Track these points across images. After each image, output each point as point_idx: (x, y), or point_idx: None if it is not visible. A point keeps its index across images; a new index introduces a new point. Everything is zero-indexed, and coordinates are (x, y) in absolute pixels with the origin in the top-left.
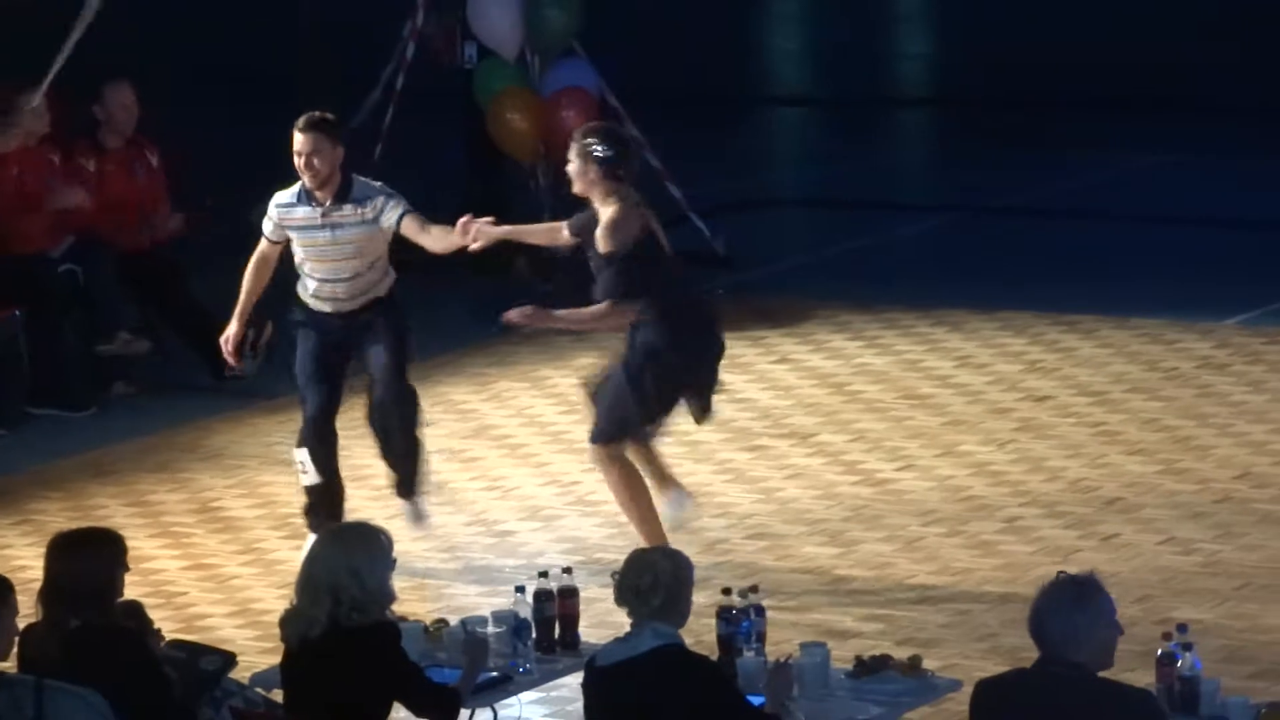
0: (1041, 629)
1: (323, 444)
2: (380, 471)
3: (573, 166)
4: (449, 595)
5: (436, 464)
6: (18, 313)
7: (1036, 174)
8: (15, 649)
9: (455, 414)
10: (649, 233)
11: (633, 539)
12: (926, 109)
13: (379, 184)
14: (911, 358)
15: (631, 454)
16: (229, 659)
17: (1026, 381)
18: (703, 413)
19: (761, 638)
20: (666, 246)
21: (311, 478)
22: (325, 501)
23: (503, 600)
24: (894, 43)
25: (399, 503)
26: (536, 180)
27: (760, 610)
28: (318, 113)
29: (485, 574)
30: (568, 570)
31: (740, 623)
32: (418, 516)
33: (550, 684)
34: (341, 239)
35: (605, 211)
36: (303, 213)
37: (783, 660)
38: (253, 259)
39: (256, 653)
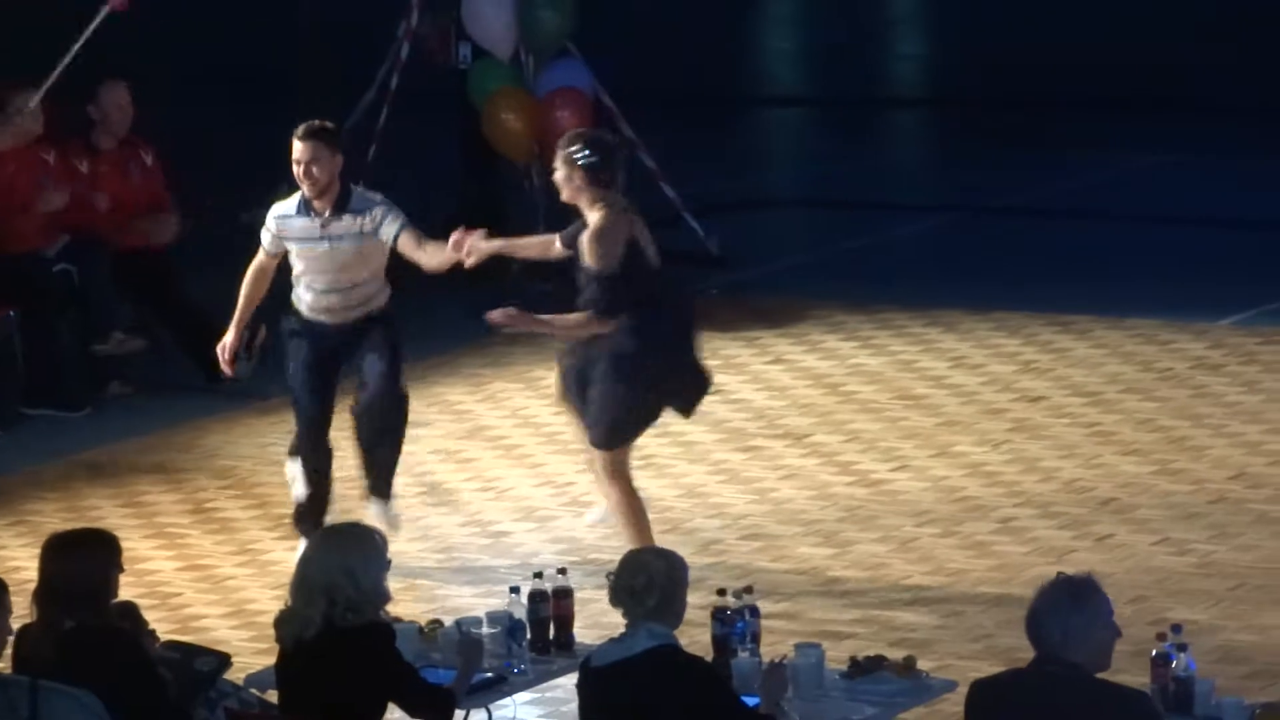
0: (1039, 629)
1: (316, 454)
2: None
3: (558, 174)
4: (444, 596)
5: (431, 464)
6: (12, 313)
7: (1036, 174)
8: (10, 649)
9: (450, 415)
10: (633, 242)
11: (623, 538)
12: (925, 109)
13: (378, 195)
14: (906, 358)
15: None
16: (224, 660)
17: (1021, 382)
18: (688, 409)
19: (756, 638)
20: (652, 254)
21: (300, 490)
22: (314, 512)
23: (497, 601)
24: (892, 43)
25: (372, 505)
26: (531, 181)
27: (755, 611)
28: (317, 121)
29: (480, 574)
30: (562, 571)
31: (735, 623)
32: (390, 520)
33: (545, 685)
34: (340, 250)
35: (592, 217)
36: (301, 223)
37: (777, 661)
38: (250, 270)
39: (251, 653)
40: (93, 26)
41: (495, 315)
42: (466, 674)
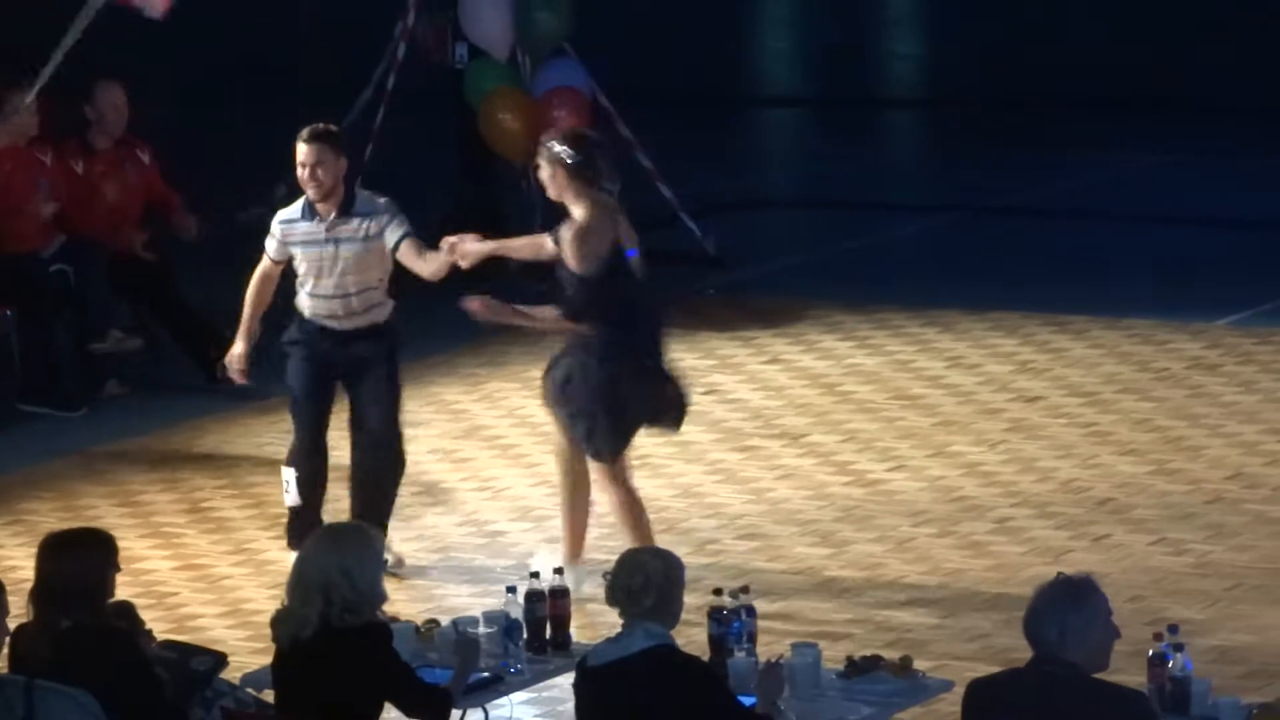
0: (1037, 629)
1: (312, 460)
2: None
3: (543, 173)
4: (440, 595)
5: (428, 464)
6: (9, 312)
7: (1036, 174)
8: (6, 649)
9: (447, 414)
10: (615, 245)
11: (625, 539)
12: (924, 109)
13: (383, 199)
14: (903, 358)
15: (562, 453)
16: (220, 659)
17: (1018, 382)
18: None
19: (753, 638)
20: (636, 260)
21: (294, 499)
22: (306, 521)
23: (494, 601)
24: (891, 43)
25: None
26: (527, 180)
27: (751, 610)
28: (321, 124)
29: (476, 574)
30: (559, 571)
31: (731, 623)
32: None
33: (542, 684)
34: (344, 254)
35: (576, 213)
36: (305, 227)
37: (774, 661)
38: (255, 277)
39: (248, 653)
40: (85, 22)
41: (473, 304)
42: (463, 674)
